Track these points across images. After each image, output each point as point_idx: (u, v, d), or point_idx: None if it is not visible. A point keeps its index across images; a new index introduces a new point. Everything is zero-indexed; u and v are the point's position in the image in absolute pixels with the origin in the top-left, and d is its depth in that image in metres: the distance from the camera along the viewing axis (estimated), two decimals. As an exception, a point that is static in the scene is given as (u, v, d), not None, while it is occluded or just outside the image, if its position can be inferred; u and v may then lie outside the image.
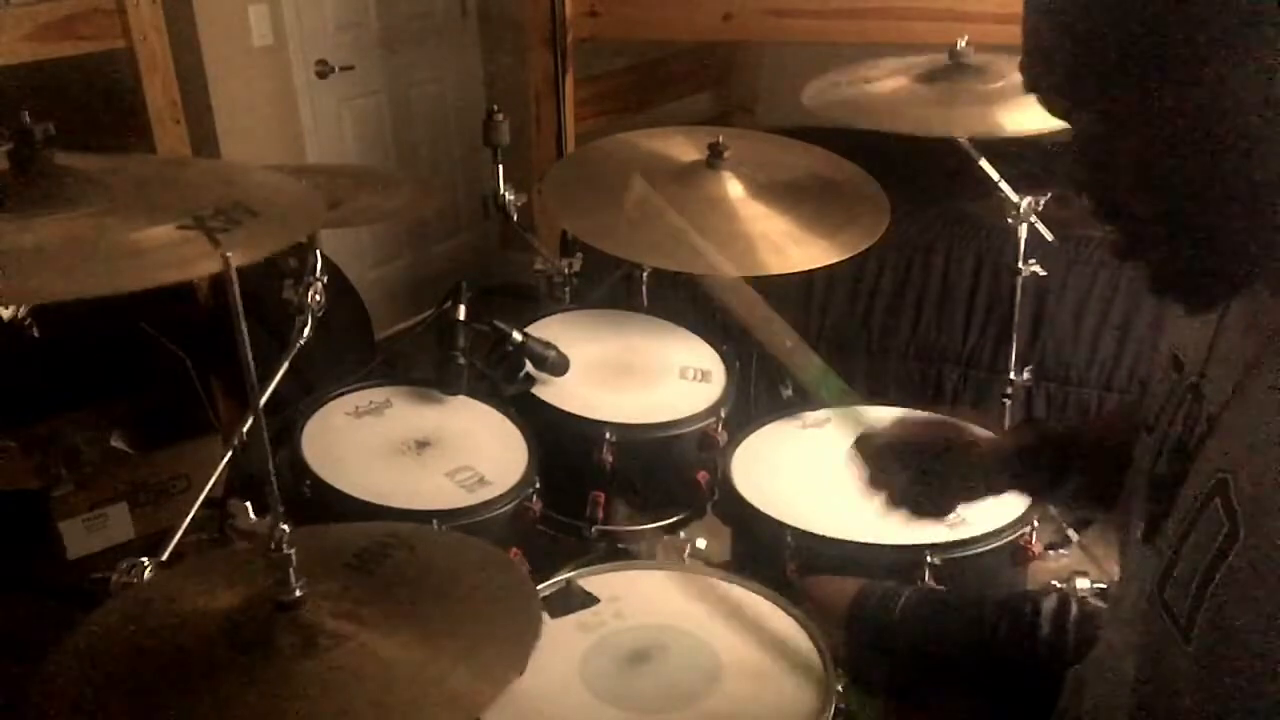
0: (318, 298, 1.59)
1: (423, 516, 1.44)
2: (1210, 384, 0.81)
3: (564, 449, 1.66)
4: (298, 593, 0.86)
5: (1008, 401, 2.26)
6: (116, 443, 2.48)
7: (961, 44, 1.95)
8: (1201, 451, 0.79)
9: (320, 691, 0.81)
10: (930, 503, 1.13)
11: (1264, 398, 0.73)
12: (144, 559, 1.27)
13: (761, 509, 1.52)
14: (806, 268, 1.70)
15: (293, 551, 0.85)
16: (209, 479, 1.47)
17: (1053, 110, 0.78)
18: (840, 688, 1.13)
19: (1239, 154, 0.69)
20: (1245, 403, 0.75)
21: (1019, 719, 1.17)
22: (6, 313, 2.00)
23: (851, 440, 1.15)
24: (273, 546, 0.85)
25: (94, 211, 1.14)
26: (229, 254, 0.79)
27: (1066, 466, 1.11)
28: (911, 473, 1.11)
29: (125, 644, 0.91)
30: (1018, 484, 1.17)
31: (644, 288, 2.07)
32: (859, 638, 1.28)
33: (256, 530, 1.30)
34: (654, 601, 1.30)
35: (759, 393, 2.06)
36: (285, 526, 0.86)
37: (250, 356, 0.80)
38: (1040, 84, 0.77)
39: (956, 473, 1.11)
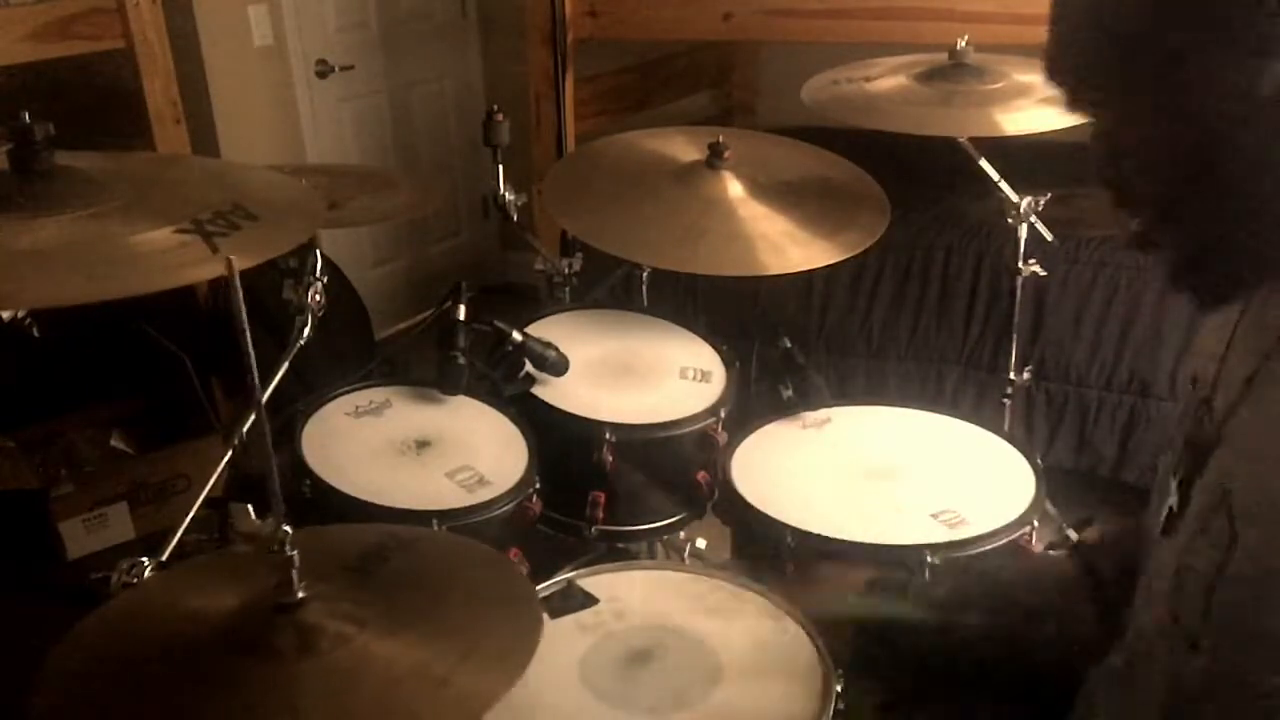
0: (318, 298, 1.59)
1: (423, 517, 1.44)
2: (1219, 398, 0.82)
3: (564, 449, 1.66)
4: (300, 594, 0.86)
5: (1008, 401, 2.26)
6: (116, 443, 2.48)
7: (961, 44, 1.95)
8: (1208, 465, 0.79)
9: (322, 693, 0.81)
10: None
11: (1263, 408, 0.74)
12: (144, 559, 1.27)
13: (761, 509, 1.52)
14: (806, 268, 1.70)
15: (295, 553, 0.85)
16: (209, 479, 1.47)
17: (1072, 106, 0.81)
18: (840, 688, 1.13)
19: (1229, 148, 0.72)
20: (1249, 412, 0.76)
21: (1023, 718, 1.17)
22: (6, 313, 2.01)
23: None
24: (275, 548, 0.85)
25: (92, 213, 1.13)
26: (232, 257, 0.79)
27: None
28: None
29: (124, 644, 0.91)
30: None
31: (644, 288, 2.08)
32: (875, 609, 1.25)
33: (258, 532, 1.30)
34: (654, 601, 1.29)
35: (759, 393, 2.06)
36: (288, 528, 0.86)
37: (254, 358, 0.80)
38: (1061, 80, 0.81)
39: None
